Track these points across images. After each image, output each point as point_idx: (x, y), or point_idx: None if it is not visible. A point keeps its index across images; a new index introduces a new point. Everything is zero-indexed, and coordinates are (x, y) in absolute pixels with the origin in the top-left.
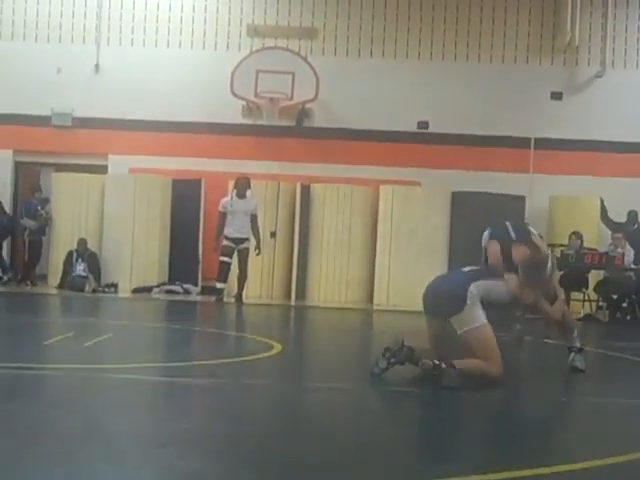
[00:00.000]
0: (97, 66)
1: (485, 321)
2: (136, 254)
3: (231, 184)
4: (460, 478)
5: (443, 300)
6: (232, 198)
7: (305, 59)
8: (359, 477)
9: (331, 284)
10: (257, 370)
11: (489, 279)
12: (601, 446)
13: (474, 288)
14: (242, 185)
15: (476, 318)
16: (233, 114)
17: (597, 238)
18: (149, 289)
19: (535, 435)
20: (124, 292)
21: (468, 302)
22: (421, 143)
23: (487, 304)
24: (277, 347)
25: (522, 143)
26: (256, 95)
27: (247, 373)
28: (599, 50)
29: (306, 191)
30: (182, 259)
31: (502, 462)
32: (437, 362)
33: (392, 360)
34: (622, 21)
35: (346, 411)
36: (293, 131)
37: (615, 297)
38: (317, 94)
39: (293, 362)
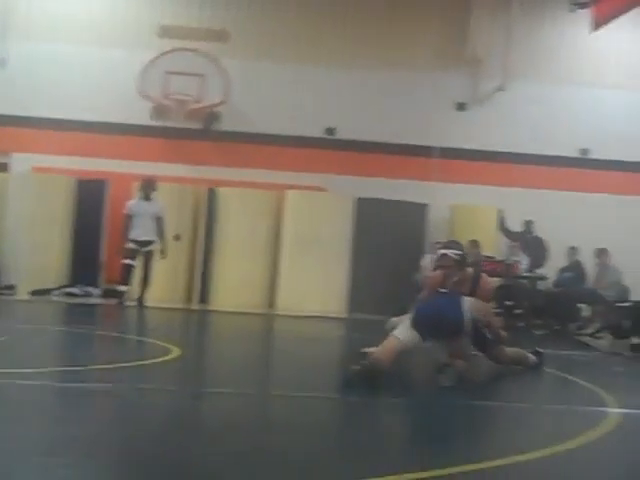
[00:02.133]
0: (2, 60)
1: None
2: (36, 255)
3: (137, 186)
4: None
5: (446, 326)
6: (138, 200)
7: (215, 62)
8: None
9: (234, 288)
10: (153, 375)
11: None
12: (495, 447)
13: (465, 307)
14: (147, 187)
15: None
16: (141, 115)
17: (495, 246)
18: (48, 291)
19: (445, 437)
20: (22, 294)
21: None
22: (327, 149)
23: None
24: (176, 351)
25: (426, 152)
26: (165, 97)
27: (143, 378)
28: (501, 63)
29: (213, 194)
30: (84, 261)
31: (404, 464)
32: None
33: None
34: (523, 35)
35: (241, 416)
36: (201, 134)
37: (510, 304)
38: (226, 97)
39: (191, 366)
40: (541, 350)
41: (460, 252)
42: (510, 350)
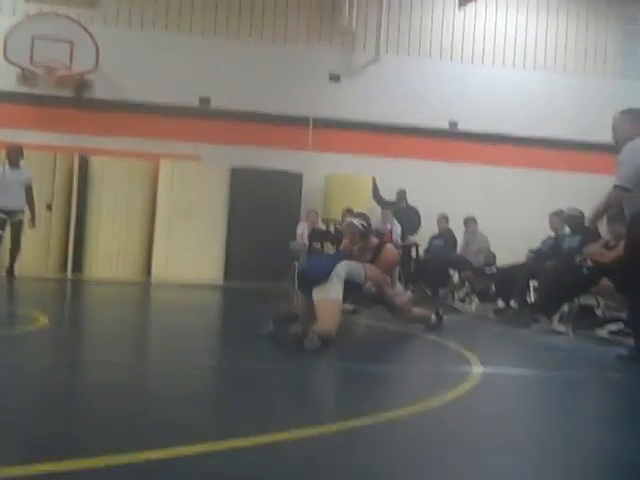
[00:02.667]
0: None
1: (339, 297)
2: None
3: (2, 154)
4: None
5: (312, 275)
6: (4, 168)
7: (84, 28)
8: (117, 449)
9: (108, 258)
10: (18, 345)
11: (351, 261)
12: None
13: (340, 267)
14: (14, 154)
15: (333, 292)
16: (7, 81)
17: (369, 215)
18: None
19: (313, 398)
20: None
21: (333, 276)
22: (202, 118)
23: (350, 283)
24: (44, 321)
25: (301, 122)
26: (32, 62)
27: (6, 348)
28: (374, 36)
29: (84, 163)
30: None
31: (270, 425)
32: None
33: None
34: (396, 9)
35: (112, 384)
36: (72, 102)
37: None
38: (97, 64)
39: (60, 336)
40: (442, 313)
41: (365, 223)
42: (417, 310)
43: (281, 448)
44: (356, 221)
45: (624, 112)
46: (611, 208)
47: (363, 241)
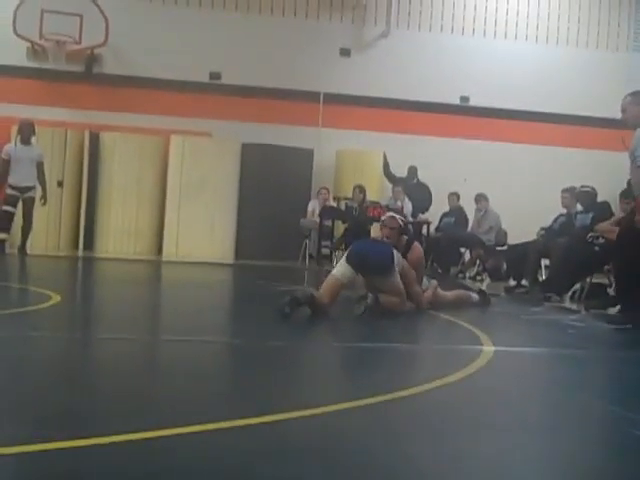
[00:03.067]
0: None
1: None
2: None
3: (14, 130)
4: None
5: (376, 261)
6: (16, 144)
7: (94, 1)
8: (124, 426)
9: (120, 235)
10: (33, 321)
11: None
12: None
13: (397, 257)
14: (26, 131)
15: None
16: (18, 56)
17: (380, 191)
18: None
19: (325, 377)
20: None
21: (395, 266)
22: (212, 94)
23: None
24: (57, 298)
25: (312, 97)
26: (41, 37)
27: (22, 324)
28: (385, 10)
29: (95, 139)
30: None
31: (284, 404)
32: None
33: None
34: None
35: (124, 361)
36: (82, 77)
37: None
38: (107, 39)
39: (74, 313)
40: (484, 290)
41: (404, 220)
42: (451, 294)
43: (291, 426)
44: (398, 217)
45: (633, 94)
46: None
47: (398, 237)
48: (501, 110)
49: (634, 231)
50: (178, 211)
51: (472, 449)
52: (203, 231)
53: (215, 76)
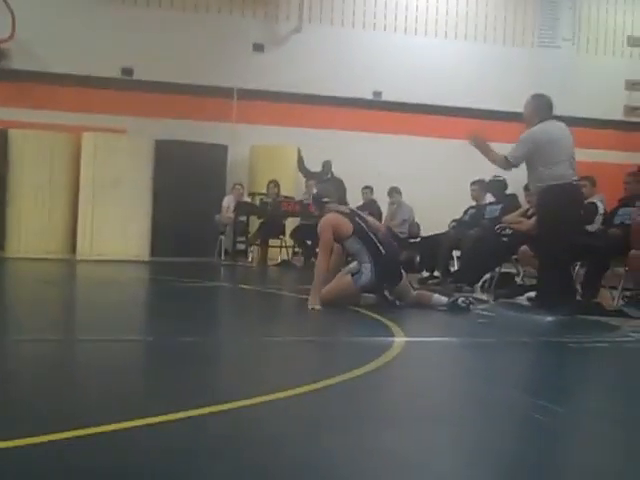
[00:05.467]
0: None
1: None
2: None
3: None
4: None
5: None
6: None
7: None
8: (41, 428)
9: (32, 234)
10: None
11: None
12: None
13: None
14: None
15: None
16: None
17: (294, 186)
18: None
19: (233, 372)
20: None
21: None
22: (125, 90)
23: None
24: None
25: (225, 93)
26: None
27: None
28: (297, 5)
29: (3, 137)
30: None
31: (197, 400)
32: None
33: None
34: None
35: (40, 361)
36: None
37: (310, 243)
38: (14, 34)
39: None
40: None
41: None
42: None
43: (202, 423)
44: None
45: (533, 96)
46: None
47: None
48: (413, 105)
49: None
50: (92, 209)
51: (377, 440)
52: (117, 229)
53: (127, 72)
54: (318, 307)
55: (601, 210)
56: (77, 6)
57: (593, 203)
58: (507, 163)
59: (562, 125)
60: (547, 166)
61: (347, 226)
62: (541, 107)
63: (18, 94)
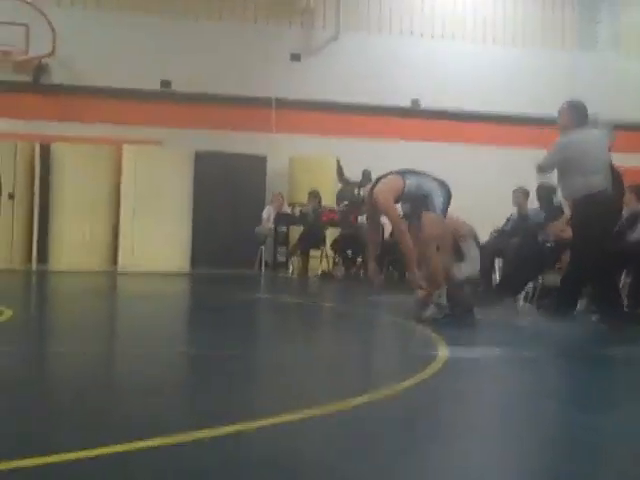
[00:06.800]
0: None
1: None
2: None
3: None
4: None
5: None
6: None
7: (40, 11)
8: (84, 443)
9: (74, 247)
10: None
11: None
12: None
13: None
14: None
15: None
16: None
17: (334, 197)
18: None
19: (271, 385)
20: None
21: None
22: (164, 102)
23: None
24: (7, 314)
25: (263, 103)
26: None
27: None
28: (333, 13)
29: (46, 150)
30: None
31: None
32: None
33: None
34: None
35: (80, 375)
36: (31, 87)
37: (350, 253)
38: (54, 49)
39: (23, 329)
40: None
41: None
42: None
43: (249, 438)
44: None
45: (568, 103)
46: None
47: None
48: (454, 112)
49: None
50: (132, 221)
51: (426, 459)
52: (158, 240)
53: (166, 84)
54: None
55: None
56: (115, 20)
57: (636, 212)
58: (538, 169)
59: (597, 133)
60: (580, 175)
61: (395, 180)
62: (576, 114)
63: (60, 108)
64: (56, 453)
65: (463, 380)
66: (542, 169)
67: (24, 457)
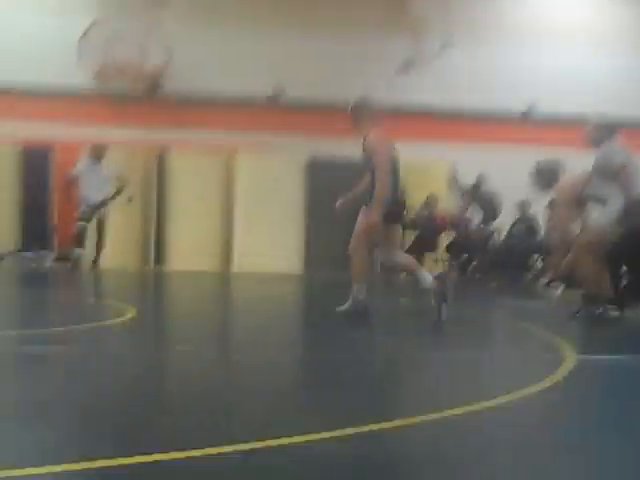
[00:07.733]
0: None
1: None
2: None
3: (85, 150)
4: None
5: None
6: (88, 163)
7: (155, 27)
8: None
9: (190, 249)
10: (109, 336)
11: None
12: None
13: None
14: (98, 150)
15: None
16: (85, 81)
17: (447, 202)
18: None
19: (411, 389)
20: None
21: None
22: (276, 109)
23: None
24: (132, 312)
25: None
26: (106, 63)
27: (98, 339)
28: (445, 21)
29: (162, 157)
30: (34, 226)
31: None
32: None
33: None
34: None
35: (204, 375)
36: (147, 99)
37: (465, 257)
38: (169, 62)
39: (149, 327)
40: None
41: None
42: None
43: (408, 434)
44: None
45: None
46: None
47: None
48: (568, 117)
49: None
50: (246, 225)
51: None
52: (271, 244)
53: (279, 91)
54: None
55: None
56: (226, 30)
57: None
58: None
59: None
60: None
61: None
62: None
63: (175, 117)
64: (172, 450)
65: (591, 386)
66: None
67: (146, 453)
